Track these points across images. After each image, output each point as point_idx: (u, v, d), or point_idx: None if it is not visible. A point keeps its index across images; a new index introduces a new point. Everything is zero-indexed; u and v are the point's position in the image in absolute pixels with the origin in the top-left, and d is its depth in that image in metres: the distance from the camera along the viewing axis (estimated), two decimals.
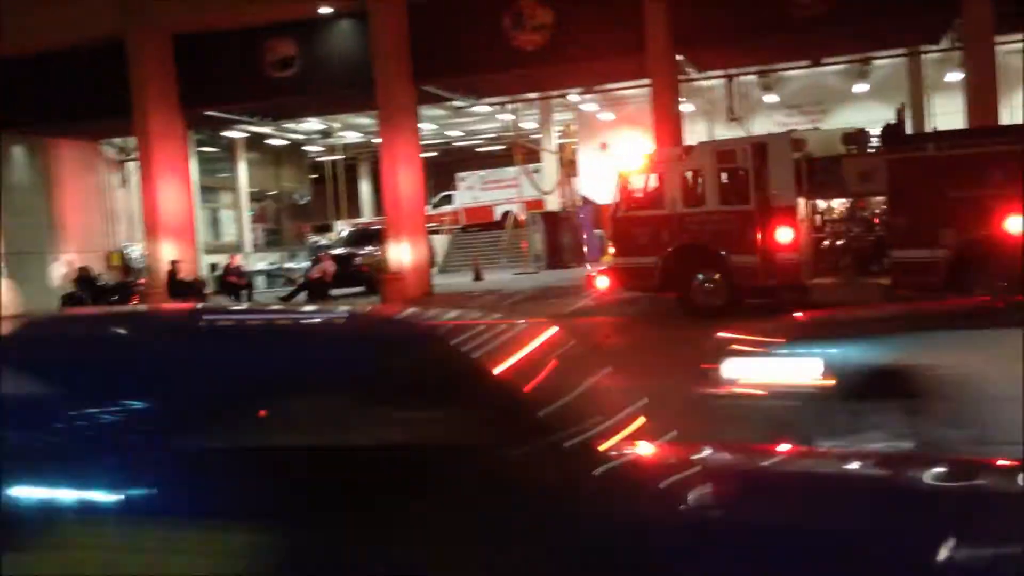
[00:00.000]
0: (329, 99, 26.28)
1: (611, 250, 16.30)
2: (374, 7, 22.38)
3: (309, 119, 35.38)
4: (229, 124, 30.31)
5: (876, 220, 14.38)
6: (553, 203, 35.15)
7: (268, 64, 24.08)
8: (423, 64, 22.83)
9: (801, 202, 14.33)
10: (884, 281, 13.74)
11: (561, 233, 29.40)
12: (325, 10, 23.37)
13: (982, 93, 19.07)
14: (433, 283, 24.37)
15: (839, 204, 14.82)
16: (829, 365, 5.53)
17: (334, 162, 40.28)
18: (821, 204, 14.84)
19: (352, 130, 40.21)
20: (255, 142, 36.60)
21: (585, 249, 28.25)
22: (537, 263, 29.51)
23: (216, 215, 35.82)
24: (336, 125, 37.37)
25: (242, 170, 36.65)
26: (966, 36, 19.74)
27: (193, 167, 27.65)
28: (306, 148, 43.26)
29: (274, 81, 24.15)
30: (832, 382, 5.44)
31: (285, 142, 39.39)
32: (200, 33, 23.74)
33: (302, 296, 24.16)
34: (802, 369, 5.63)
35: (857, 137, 14.95)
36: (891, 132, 14.08)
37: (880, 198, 14.05)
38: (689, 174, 15.24)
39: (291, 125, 36.64)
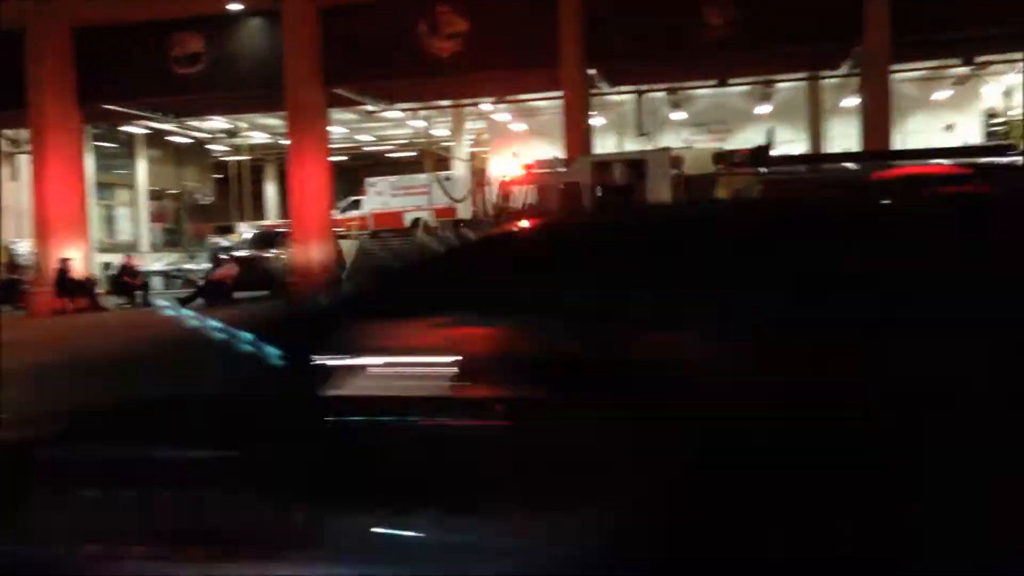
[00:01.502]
0: (237, 98, 25.70)
1: None
2: (286, 6, 22.03)
3: (214, 117, 34.57)
4: (129, 119, 29.38)
5: None
6: (464, 211, 35.14)
7: (173, 59, 23.43)
8: (335, 66, 22.55)
9: None
10: None
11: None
12: (235, 7, 22.88)
13: (877, 119, 19.84)
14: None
15: None
16: None
17: (239, 162, 39.40)
18: None
19: (259, 130, 39.45)
20: (156, 139, 35.58)
21: None
22: None
23: (112, 212, 34.65)
24: (243, 125, 36.59)
25: (141, 167, 35.60)
26: (863, 63, 20.51)
27: (89, 162, 26.71)
28: (210, 147, 42.26)
29: (179, 77, 23.50)
30: None
31: (188, 140, 38.41)
32: (104, 25, 22.97)
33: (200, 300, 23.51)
34: None
35: (727, 157, 15.36)
36: (759, 153, 14.43)
37: None
38: (568, 186, 15.33)
39: (195, 123, 35.75)
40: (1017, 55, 26.83)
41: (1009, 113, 32.11)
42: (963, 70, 29.73)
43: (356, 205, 40.25)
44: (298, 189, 22.64)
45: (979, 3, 19.01)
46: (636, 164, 15.51)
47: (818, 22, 20.16)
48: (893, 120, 21.55)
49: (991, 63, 28.02)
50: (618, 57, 21.74)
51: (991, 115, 37.36)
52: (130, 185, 35.48)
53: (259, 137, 41.09)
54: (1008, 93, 29.11)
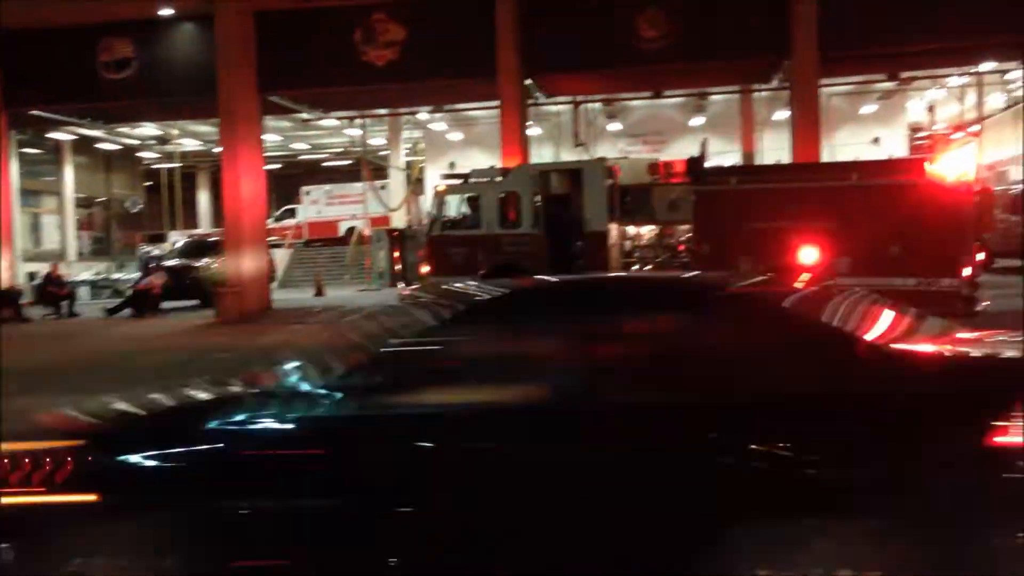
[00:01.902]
0: (168, 104, 25.26)
1: (425, 269, 16.18)
2: (219, 12, 21.68)
3: (145, 124, 33.91)
4: (56, 125, 28.67)
5: (681, 247, 14.95)
6: (399, 220, 34.98)
7: (102, 65, 22.95)
8: (269, 73, 22.29)
9: (612, 227, 14.74)
10: None
11: (406, 251, 29.25)
12: (166, 11, 22.48)
13: (806, 131, 20.26)
14: (273, 298, 23.74)
15: (648, 230, 15.30)
16: None
17: (171, 170, 38.64)
18: (631, 230, 15.29)
19: (191, 137, 38.81)
20: (84, 145, 34.76)
21: (398, 267, 28.32)
22: (381, 280, 29.24)
23: (38, 220, 33.71)
24: (174, 131, 35.94)
25: (68, 174, 34.69)
26: (793, 77, 20.94)
27: (14, 169, 25.97)
28: (141, 154, 41.42)
29: (108, 82, 23.02)
30: None
31: (118, 147, 37.59)
32: (30, 28, 22.33)
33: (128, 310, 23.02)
34: None
35: (660, 168, 15.57)
36: (693, 165, 14.63)
37: (686, 226, 14.59)
38: (505, 196, 15.36)
39: (125, 129, 35.05)
40: (939, 71, 27.70)
41: (934, 127, 33.13)
42: (889, 85, 30.57)
43: (291, 214, 39.87)
44: (231, 197, 22.28)
45: (903, 20, 19.58)
46: (573, 174, 15.58)
47: (749, 37, 20.57)
48: (822, 133, 22.08)
49: (915, 78, 28.86)
50: (554, 68, 21.88)
51: (915, 129, 38.54)
52: (57, 192, 34.53)
53: (191, 144, 40.40)
54: (931, 108, 29.97)
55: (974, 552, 3.43)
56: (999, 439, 3.47)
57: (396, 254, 28.21)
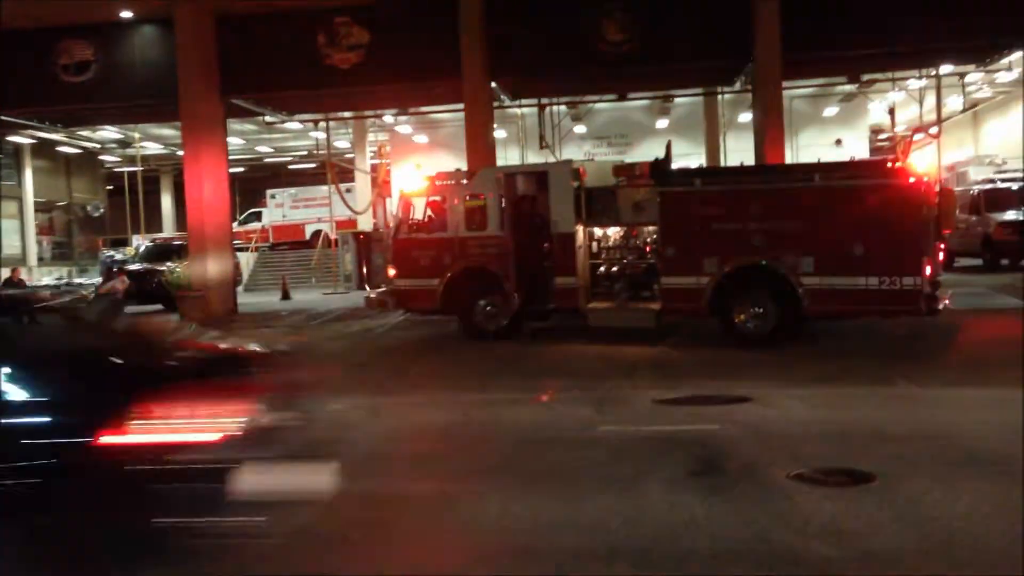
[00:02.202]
0: (129, 107, 24.92)
1: (391, 272, 16.14)
2: (180, 14, 21.46)
3: (106, 127, 33.49)
4: (15, 128, 28.22)
5: (648, 248, 15.03)
6: (366, 223, 34.83)
7: (62, 68, 22.60)
8: (232, 76, 22.10)
9: (579, 229, 14.80)
10: (655, 306, 14.42)
11: (373, 253, 29.15)
12: (126, 14, 22.21)
13: (770, 133, 20.42)
14: (238, 301, 23.53)
15: (615, 232, 15.38)
16: None
17: (133, 173, 38.20)
18: (598, 232, 15.35)
19: (154, 141, 38.41)
20: (44, 149, 34.31)
21: (364, 271, 28.29)
22: (348, 283, 29.10)
23: None
24: (136, 135, 35.52)
25: (28, 178, 34.19)
26: (756, 80, 21.12)
27: None
28: (102, 158, 40.94)
29: (68, 86, 22.67)
30: None
31: (78, 150, 37.11)
32: None
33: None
34: None
35: (626, 170, 15.62)
36: (657, 167, 14.72)
37: (652, 228, 14.70)
38: (471, 198, 15.35)
39: (86, 133, 34.60)
40: (899, 74, 28.07)
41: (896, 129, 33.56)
42: (850, 87, 30.93)
43: (256, 217, 39.58)
44: (195, 201, 22.04)
45: (863, 24, 19.82)
46: (539, 176, 15.58)
47: (713, 40, 20.72)
48: (786, 135, 22.28)
49: (875, 81, 29.23)
50: (520, 71, 21.90)
51: (877, 131, 39.04)
52: (16, 197, 34.07)
53: (154, 147, 39.99)
54: (892, 110, 30.39)
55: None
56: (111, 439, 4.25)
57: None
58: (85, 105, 23.74)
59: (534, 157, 31.63)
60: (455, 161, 26.65)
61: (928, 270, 12.67)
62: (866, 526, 5.60)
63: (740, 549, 5.36)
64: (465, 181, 15.64)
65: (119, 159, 40.62)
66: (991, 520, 5.60)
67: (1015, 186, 24.31)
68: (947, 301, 13.30)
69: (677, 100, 32.11)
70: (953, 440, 7.70)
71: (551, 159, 27.24)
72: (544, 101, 28.61)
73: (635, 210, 14.90)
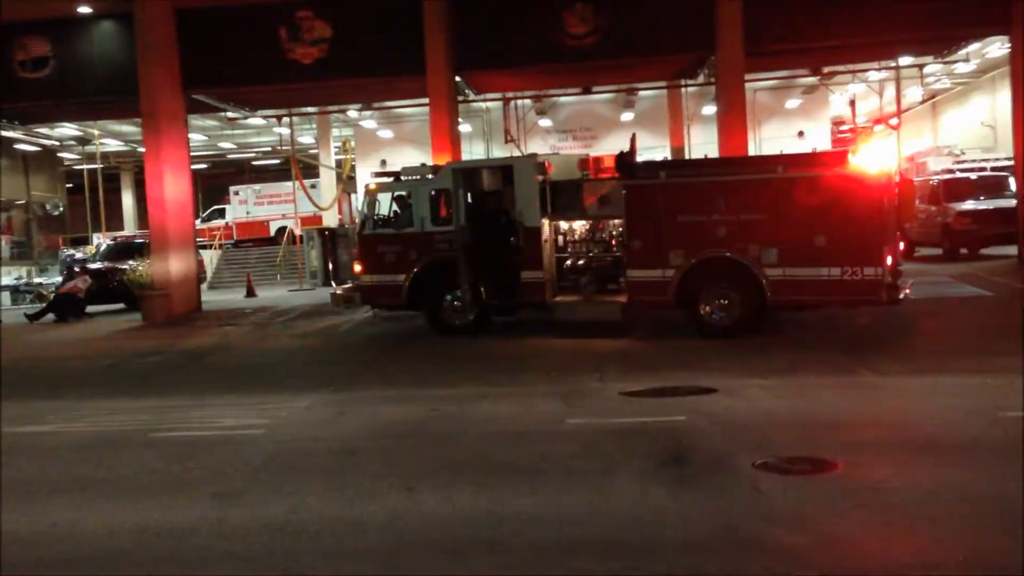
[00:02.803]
0: (88, 104, 24.55)
1: (357, 268, 16.08)
2: (139, 9, 21.18)
3: (65, 124, 32.97)
4: None
5: (614, 241, 15.10)
6: (331, 219, 34.64)
7: (19, 64, 22.26)
8: (193, 71, 21.87)
9: (545, 223, 14.84)
10: (621, 299, 14.51)
11: (339, 249, 29.03)
12: (84, 9, 21.89)
13: (733, 126, 20.58)
14: (203, 299, 23.32)
15: (580, 226, 15.43)
16: None
17: (93, 171, 37.66)
18: (564, 226, 15.40)
19: (114, 138, 37.89)
20: (1, 147, 33.65)
21: (330, 267, 28.15)
22: (314, 280, 28.94)
23: None
24: (95, 132, 35.01)
25: None
26: (719, 72, 21.25)
27: None
28: (61, 155, 40.31)
29: (25, 82, 22.34)
30: None
31: (36, 148, 36.50)
32: None
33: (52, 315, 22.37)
34: None
35: (591, 163, 15.67)
36: (622, 160, 14.76)
37: (618, 221, 14.77)
38: (437, 193, 15.32)
39: (44, 130, 34.05)
40: (859, 65, 28.39)
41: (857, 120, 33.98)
42: (811, 80, 31.24)
43: (220, 214, 39.23)
44: (156, 198, 21.78)
45: (824, 16, 20.04)
46: (504, 171, 15.55)
47: (676, 32, 20.82)
48: (749, 127, 22.45)
49: (836, 73, 29.55)
50: (483, 65, 21.88)
51: (838, 122, 39.50)
52: None
53: (114, 145, 39.44)
54: (853, 102, 30.75)
55: None
56: None
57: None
58: (43, 102, 23.37)
59: (499, 151, 31.65)
60: (420, 156, 26.65)
61: (889, 260, 12.83)
62: (829, 513, 5.68)
63: (707, 539, 5.41)
64: (430, 176, 15.59)
65: (79, 156, 40.00)
66: (951, 505, 5.69)
67: (973, 176, 24.70)
68: (908, 290, 13.49)
69: (641, 93, 32.25)
70: (914, 427, 7.83)
71: (516, 153, 27.26)
72: (509, 95, 28.61)
73: (601, 203, 14.94)
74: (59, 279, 26.93)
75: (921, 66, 28.85)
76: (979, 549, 4.96)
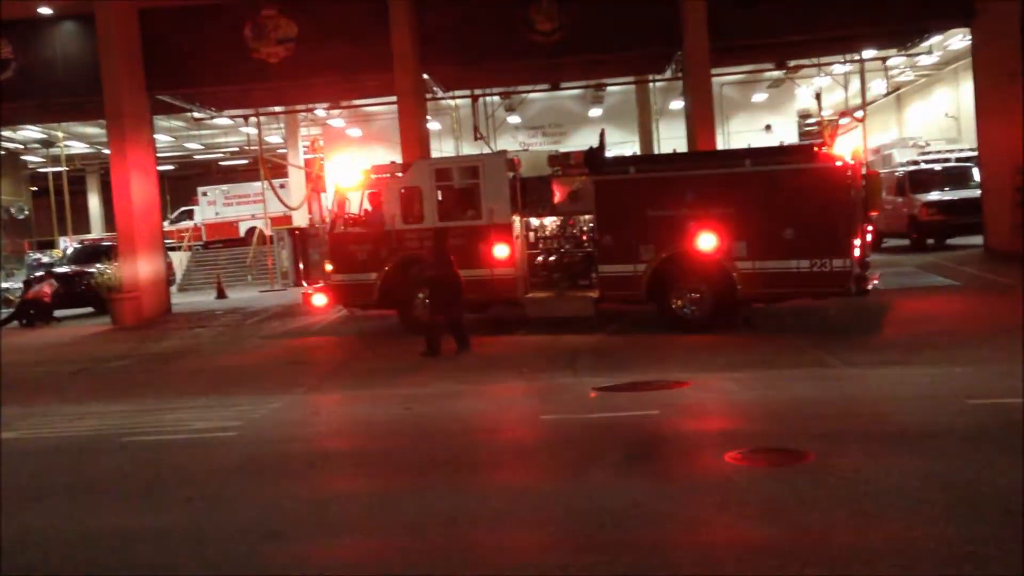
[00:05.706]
0: (52, 106, 24.23)
1: (328, 267, 15.99)
2: (100, 9, 20.89)
3: (28, 127, 32.51)
4: None
5: (584, 237, 15.15)
6: (301, 219, 34.45)
7: None
8: (158, 71, 21.64)
9: (516, 220, 14.84)
10: (593, 294, 14.55)
11: (309, 249, 28.88)
12: (45, 10, 21.59)
13: (701, 120, 20.67)
14: (172, 301, 23.11)
15: (551, 222, 15.45)
16: None
17: (58, 173, 37.18)
18: (534, 222, 15.42)
19: (78, 140, 37.42)
20: None
21: (300, 267, 28.03)
22: (284, 280, 28.77)
23: None
24: (59, 134, 34.57)
25: None
26: (686, 67, 21.34)
27: None
28: (25, 158, 39.77)
29: None
30: None
31: None
32: None
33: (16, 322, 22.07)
34: None
35: (561, 159, 15.71)
36: (592, 156, 14.81)
37: (588, 216, 14.81)
38: (406, 191, 15.28)
39: (7, 133, 33.56)
40: (824, 59, 28.64)
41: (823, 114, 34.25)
42: (777, 73, 31.46)
43: (188, 215, 38.88)
44: (123, 200, 21.51)
45: (788, 10, 20.20)
46: (473, 168, 15.54)
47: (642, 27, 20.89)
48: (717, 121, 22.54)
49: (801, 67, 29.78)
50: (451, 62, 21.82)
51: (804, 116, 39.82)
52: None
53: (79, 147, 38.96)
54: (818, 95, 31.00)
55: None
56: None
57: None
58: (5, 104, 23.01)
59: (469, 148, 31.59)
60: (390, 154, 26.52)
61: (857, 252, 12.97)
62: (801, 503, 5.73)
63: (681, 532, 5.45)
64: (400, 174, 15.55)
65: (43, 159, 39.47)
66: (921, 492, 5.77)
67: (939, 167, 24.99)
68: (876, 281, 13.64)
69: (609, 89, 32.33)
70: (884, 417, 7.92)
71: (486, 150, 27.24)
72: (477, 92, 28.55)
73: (571, 199, 14.98)
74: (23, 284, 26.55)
75: (885, 59, 29.14)
76: (951, 536, 5.03)
